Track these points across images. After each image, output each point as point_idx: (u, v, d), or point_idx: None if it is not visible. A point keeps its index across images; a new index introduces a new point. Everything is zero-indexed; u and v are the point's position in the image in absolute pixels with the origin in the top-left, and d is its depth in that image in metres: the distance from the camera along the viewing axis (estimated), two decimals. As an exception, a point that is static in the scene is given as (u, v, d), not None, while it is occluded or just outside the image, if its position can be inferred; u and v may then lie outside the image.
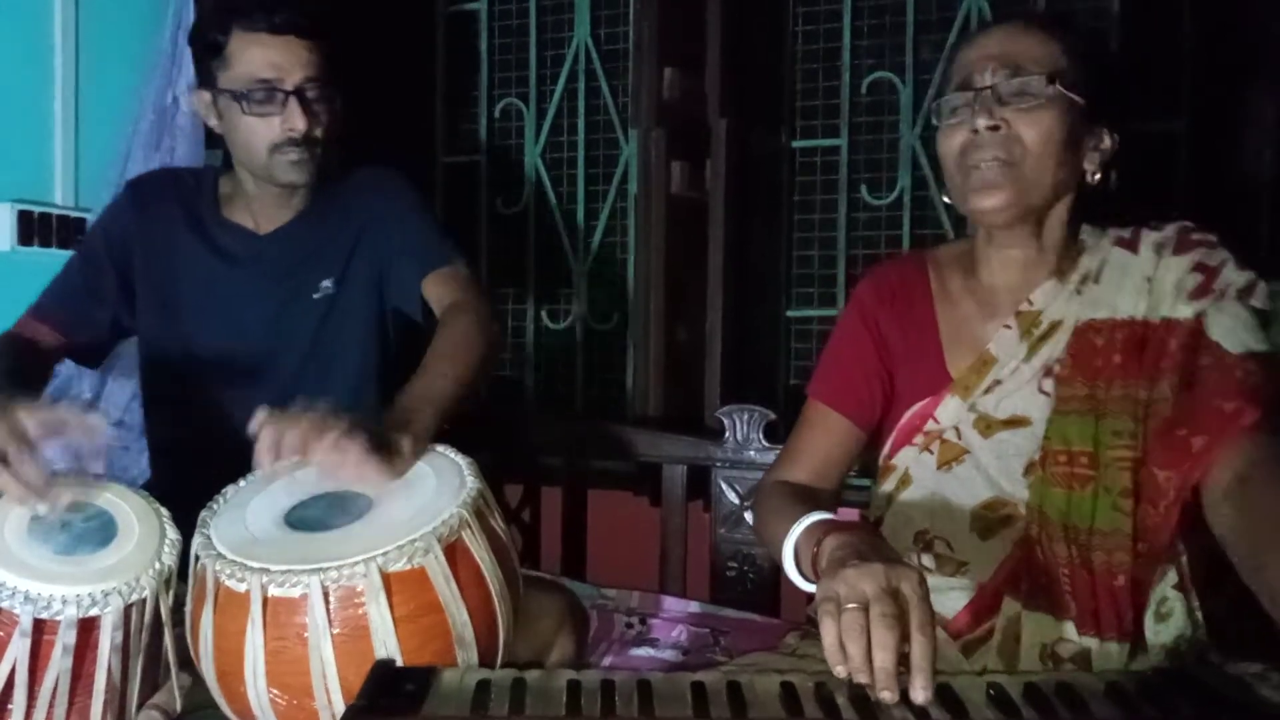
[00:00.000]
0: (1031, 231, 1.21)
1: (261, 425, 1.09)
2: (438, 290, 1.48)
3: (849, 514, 1.77)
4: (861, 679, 0.84)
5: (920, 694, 0.82)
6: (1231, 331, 1.10)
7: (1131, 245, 1.21)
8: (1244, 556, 1.00)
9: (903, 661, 0.84)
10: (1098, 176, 1.20)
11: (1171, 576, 1.13)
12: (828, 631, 0.86)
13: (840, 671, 0.85)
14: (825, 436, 1.31)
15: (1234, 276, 1.14)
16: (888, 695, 0.82)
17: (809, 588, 1.04)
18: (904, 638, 0.84)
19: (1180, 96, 1.92)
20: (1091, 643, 1.12)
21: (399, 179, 1.60)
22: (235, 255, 1.54)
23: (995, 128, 1.15)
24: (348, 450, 1.08)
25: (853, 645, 0.84)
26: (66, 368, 1.63)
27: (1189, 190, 1.91)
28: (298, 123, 1.42)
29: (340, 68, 1.48)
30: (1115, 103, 1.21)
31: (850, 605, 0.86)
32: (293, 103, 1.42)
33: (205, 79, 1.49)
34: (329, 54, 1.46)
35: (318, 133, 1.46)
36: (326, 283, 1.53)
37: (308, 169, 1.47)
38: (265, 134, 1.44)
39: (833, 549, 0.98)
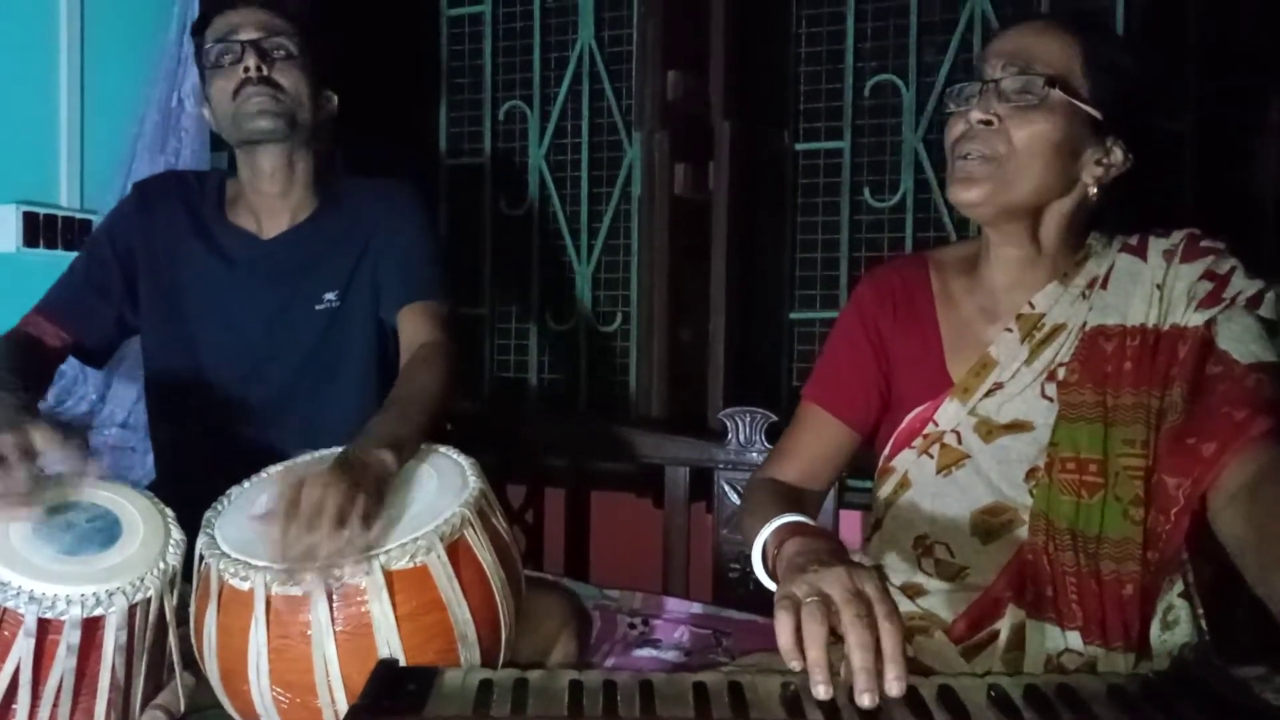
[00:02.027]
0: (1025, 232, 1.20)
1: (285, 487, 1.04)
2: (413, 321, 1.48)
3: (851, 517, 1.78)
4: (818, 680, 0.82)
5: (894, 685, 0.81)
6: (1240, 341, 1.10)
7: (1139, 252, 1.20)
8: (1253, 565, 0.99)
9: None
10: (1094, 191, 1.17)
11: (1178, 584, 1.12)
12: (783, 628, 0.85)
13: (796, 666, 0.84)
14: (817, 438, 1.31)
15: (1243, 284, 1.13)
16: (867, 699, 0.80)
17: (774, 587, 1.02)
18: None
19: (1186, 95, 1.91)
20: (1097, 652, 1.12)
21: (411, 195, 1.61)
22: (236, 258, 1.55)
23: (988, 122, 1.15)
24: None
25: (813, 649, 0.83)
26: (72, 368, 1.64)
27: (1193, 190, 1.91)
28: (250, 60, 1.47)
29: (307, 33, 1.53)
30: (1132, 120, 1.17)
31: (810, 601, 0.86)
32: (248, 49, 1.47)
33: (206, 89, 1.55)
34: (289, 19, 1.51)
35: (280, 79, 1.48)
36: (330, 295, 1.54)
37: (273, 116, 1.48)
38: (228, 85, 1.48)
39: (792, 554, 0.98)
